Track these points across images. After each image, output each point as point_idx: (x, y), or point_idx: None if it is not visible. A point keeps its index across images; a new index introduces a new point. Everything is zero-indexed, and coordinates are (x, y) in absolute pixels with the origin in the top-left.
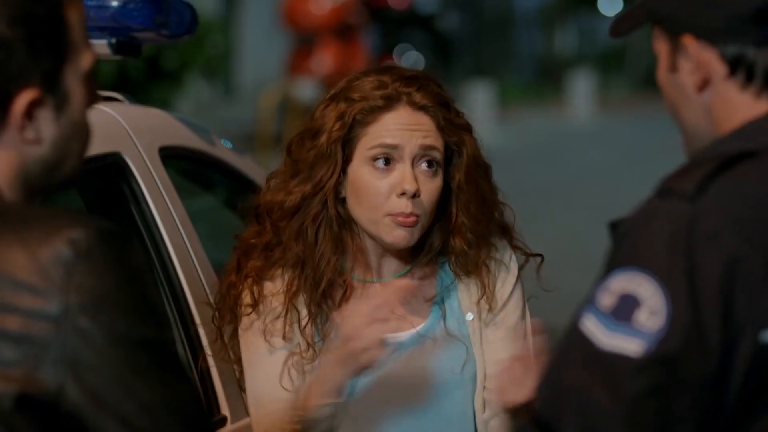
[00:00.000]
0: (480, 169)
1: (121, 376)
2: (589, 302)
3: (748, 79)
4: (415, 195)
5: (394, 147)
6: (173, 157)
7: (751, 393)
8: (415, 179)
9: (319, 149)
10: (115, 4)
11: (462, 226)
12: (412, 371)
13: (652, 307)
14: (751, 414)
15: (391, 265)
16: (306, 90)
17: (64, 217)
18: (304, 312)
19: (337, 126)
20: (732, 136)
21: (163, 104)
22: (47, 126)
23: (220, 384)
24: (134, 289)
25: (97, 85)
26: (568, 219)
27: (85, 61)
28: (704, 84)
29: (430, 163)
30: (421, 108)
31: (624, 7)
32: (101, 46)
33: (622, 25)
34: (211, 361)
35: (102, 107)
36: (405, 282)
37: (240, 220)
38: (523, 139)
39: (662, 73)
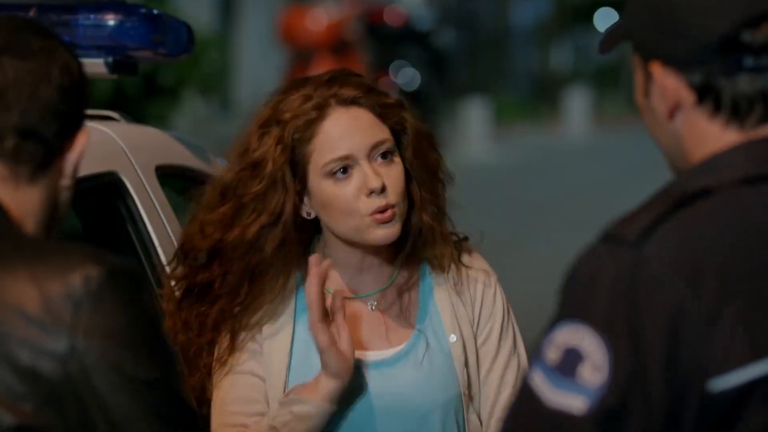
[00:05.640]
0: (425, 140)
1: (126, 417)
2: (537, 355)
3: (716, 108)
4: (383, 189)
5: (347, 158)
6: (170, 176)
7: None
8: (377, 174)
9: (268, 178)
10: (111, 23)
11: (424, 201)
12: (392, 391)
13: (595, 362)
14: None
15: (370, 280)
16: None
17: (78, 253)
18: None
19: (278, 150)
20: (693, 171)
21: (160, 121)
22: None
23: None
24: (143, 329)
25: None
26: (563, 236)
27: None
28: (673, 111)
29: (384, 155)
30: (352, 102)
31: None
32: (98, 65)
33: (605, 42)
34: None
35: (98, 126)
36: (385, 298)
37: None
38: (519, 155)
39: (638, 97)
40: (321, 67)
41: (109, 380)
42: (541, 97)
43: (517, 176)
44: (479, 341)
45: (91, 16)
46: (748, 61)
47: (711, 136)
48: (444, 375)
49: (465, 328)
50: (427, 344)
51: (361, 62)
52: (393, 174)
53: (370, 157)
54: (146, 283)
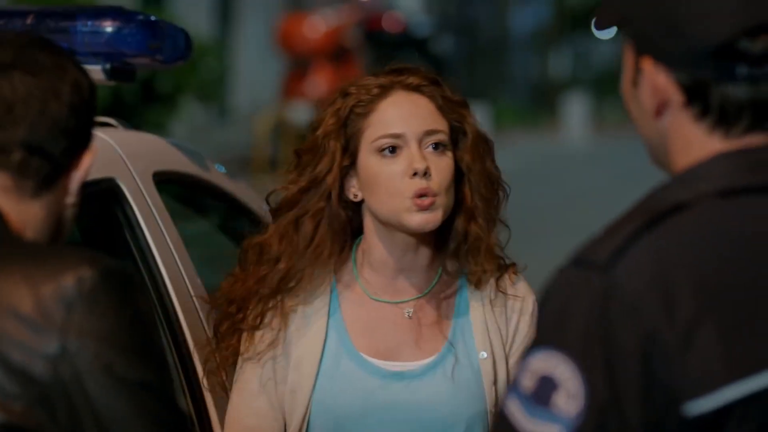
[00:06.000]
0: (485, 145)
1: (117, 419)
2: (513, 383)
3: (704, 111)
4: (426, 173)
5: (398, 136)
6: (167, 182)
7: None
8: (424, 158)
9: (314, 142)
10: (109, 29)
11: (475, 209)
12: (417, 402)
13: (570, 390)
14: None
15: (408, 284)
16: (300, 113)
17: (72, 255)
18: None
19: (332, 120)
20: (668, 185)
21: (158, 128)
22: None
23: (215, 412)
24: (135, 331)
25: None
26: (562, 241)
27: None
28: (661, 109)
29: (436, 145)
30: (415, 89)
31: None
32: (96, 71)
33: (601, 18)
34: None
35: (96, 133)
36: (421, 306)
37: (234, 245)
38: (518, 161)
39: (625, 84)
40: (319, 74)
41: (101, 382)
42: (540, 103)
43: (516, 182)
44: (511, 361)
45: (89, 22)
46: (742, 69)
47: (695, 139)
48: (470, 390)
49: (497, 347)
50: (456, 358)
51: (360, 69)
52: (441, 165)
53: (421, 142)
54: (141, 286)
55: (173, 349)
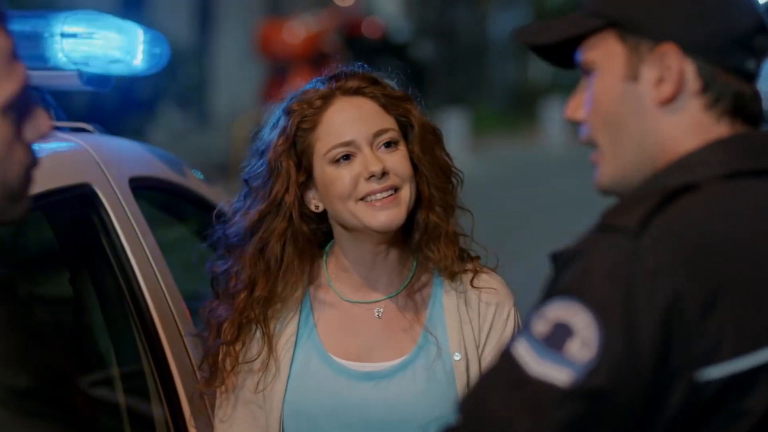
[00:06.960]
0: (432, 135)
1: None
2: (524, 328)
3: (716, 100)
4: (384, 174)
5: (349, 143)
6: (144, 188)
7: (679, 429)
8: (379, 159)
9: (269, 166)
10: None
11: (432, 198)
12: (387, 403)
13: (585, 338)
14: None
15: (380, 285)
16: None
17: None
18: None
19: (281, 141)
20: (673, 167)
21: (137, 134)
22: None
23: (190, 416)
24: (7, 340)
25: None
26: (541, 247)
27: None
28: (673, 96)
29: (387, 143)
30: (356, 92)
31: None
32: (72, 77)
33: (552, 30)
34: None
35: (72, 138)
36: (393, 306)
37: (211, 251)
38: (497, 167)
39: (612, 83)
40: (299, 79)
41: None
42: (520, 108)
43: (495, 188)
44: (484, 365)
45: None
46: (751, 63)
47: (699, 127)
48: (442, 391)
49: (470, 348)
50: (428, 359)
51: None
52: (395, 158)
53: (372, 144)
54: (14, 292)
55: (149, 354)
